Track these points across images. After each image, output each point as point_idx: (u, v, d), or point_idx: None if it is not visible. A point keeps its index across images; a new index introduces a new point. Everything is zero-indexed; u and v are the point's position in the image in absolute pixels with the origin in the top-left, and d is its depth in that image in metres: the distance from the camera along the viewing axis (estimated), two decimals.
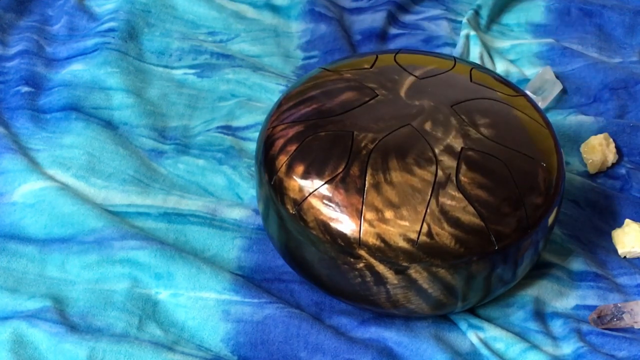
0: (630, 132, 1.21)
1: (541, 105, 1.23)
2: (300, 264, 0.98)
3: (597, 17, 1.38)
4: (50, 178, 1.09)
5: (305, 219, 0.93)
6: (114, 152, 1.14)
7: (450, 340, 0.99)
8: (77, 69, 1.24)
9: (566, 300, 1.04)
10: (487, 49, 1.31)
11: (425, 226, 0.91)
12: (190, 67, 1.27)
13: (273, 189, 0.96)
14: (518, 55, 1.33)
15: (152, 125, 1.19)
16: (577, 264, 1.06)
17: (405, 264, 0.91)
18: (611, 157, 1.18)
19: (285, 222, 0.96)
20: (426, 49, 1.33)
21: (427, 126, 0.96)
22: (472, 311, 1.02)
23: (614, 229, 1.10)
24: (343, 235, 0.92)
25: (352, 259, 0.92)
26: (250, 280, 1.03)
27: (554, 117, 1.23)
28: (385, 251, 0.91)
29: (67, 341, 0.94)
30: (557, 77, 1.27)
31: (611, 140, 1.19)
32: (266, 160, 0.98)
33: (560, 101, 1.27)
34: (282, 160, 0.96)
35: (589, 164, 1.17)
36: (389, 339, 0.98)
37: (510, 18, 1.39)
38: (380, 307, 0.96)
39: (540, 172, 0.97)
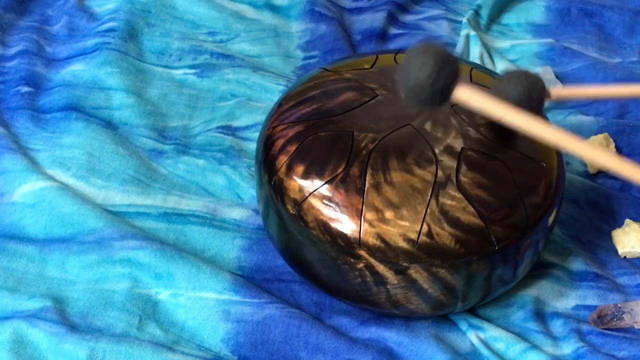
0: (630, 132, 1.21)
1: None
2: (300, 264, 0.98)
3: (597, 17, 1.38)
4: (50, 178, 1.09)
5: (305, 219, 0.93)
6: (114, 152, 1.14)
7: (450, 340, 0.99)
8: (77, 69, 1.24)
9: (566, 300, 1.04)
10: (487, 49, 1.31)
11: (425, 226, 0.91)
12: (190, 67, 1.27)
13: (273, 189, 0.96)
14: (518, 55, 1.33)
15: (152, 125, 1.19)
16: (577, 264, 1.06)
17: (405, 264, 0.91)
18: None
19: (286, 222, 0.96)
20: None
21: (427, 126, 0.96)
22: (472, 311, 1.02)
23: (614, 229, 1.10)
24: (343, 236, 0.92)
25: (352, 259, 0.92)
26: (250, 280, 1.03)
27: (554, 117, 1.23)
28: (385, 251, 0.91)
29: (67, 341, 0.94)
30: (557, 77, 1.27)
31: (611, 140, 1.19)
32: (266, 160, 0.98)
33: (561, 101, 1.27)
34: (282, 160, 0.96)
35: (589, 164, 1.17)
36: (389, 339, 0.98)
37: (510, 18, 1.40)
38: (380, 307, 0.96)
39: (540, 172, 0.97)
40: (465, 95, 0.79)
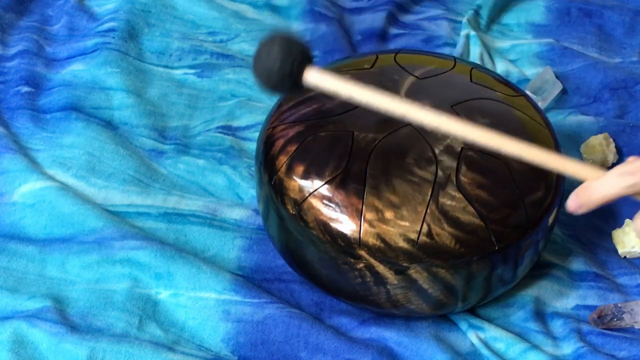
0: (630, 132, 1.21)
1: (541, 105, 1.23)
2: (300, 264, 0.98)
3: (597, 17, 1.38)
4: (50, 178, 1.09)
5: (306, 219, 0.93)
6: (114, 152, 1.14)
7: (451, 340, 0.99)
8: (77, 69, 1.24)
9: (566, 300, 1.04)
10: (487, 49, 1.31)
11: (425, 226, 0.91)
12: (190, 67, 1.27)
13: (273, 189, 0.96)
14: (518, 55, 1.33)
15: (152, 125, 1.19)
16: (577, 264, 1.06)
17: (405, 264, 0.91)
18: (611, 157, 1.18)
19: (286, 222, 0.96)
20: (426, 49, 1.33)
21: None
22: (472, 311, 1.02)
23: (614, 229, 1.10)
24: (343, 236, 0.92)
25: (352, 259, 0.92)
26: (250, 280, 1.03)
27: (554, 117, 1.23)
28: (385, 251, 0.91)
29: (67, 341, 0.94)
30: (557, 77, 1.27)
31: (611, 140, 1.19)
32: (266, 160, 0.98)
33: (560, 101, 1.27)
34: (282, 160, 0.96)
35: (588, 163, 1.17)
36: (389, 339, 0.98)
37: (510, 18, 1.39)
38: (380, 307, 0.96)
39: (540, 172, 0.97)
40: (314, 78, 0.80)
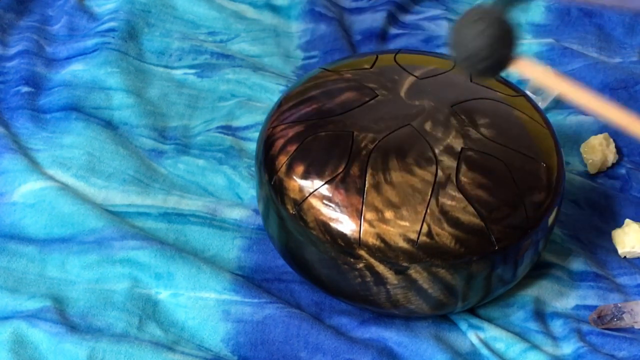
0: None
1: (541, 105, 1.23)
2: (300, 264, 0.98)
3: (597, 17, 1.38)
4: (50, 178, 1.09)
5: (306, 219, 0.93)
6: (114, 152, 1.14)
7: (450, 340, 0.99)
8: (77, 69, 1.24)
9: (566, 300, 1.04)
10: None
11: (425, 226, 0.91)
12: (190, 67, 1.27)
13: (273, 189, 0.96)
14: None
15: (152, 125, 1.19)
16: (577, 264, 1.06)
17: (405, 264, 0.91)
18: (611, 157, 1.18)
19: (286, 222, 0.96)
20: (426, 49, 1.33)
21: (427, 126, 0.96)
22: (472, 311, 1.02)
23: (614, 229, 1.10)
24: (343, 236, 0.92)
25: (352, 259, 0.92)
26: (250, 280, 1.03)
27: (554, 117, 1.23)
28: (385, 251, 0.91)
29: (67, 341, 0.95)
30: None
31: (611, 140, 1.19)
32: (266, 160, 0.98)
33: (560, 101, 1.27)
34: (282, 160, 0.96)
35: (589, 164, 1.17)
36: (389, 339, 0.98)
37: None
38: (380, 307, 0.96)
39: (540, 172, 0.97)
40: (527, 67, 0.71)
